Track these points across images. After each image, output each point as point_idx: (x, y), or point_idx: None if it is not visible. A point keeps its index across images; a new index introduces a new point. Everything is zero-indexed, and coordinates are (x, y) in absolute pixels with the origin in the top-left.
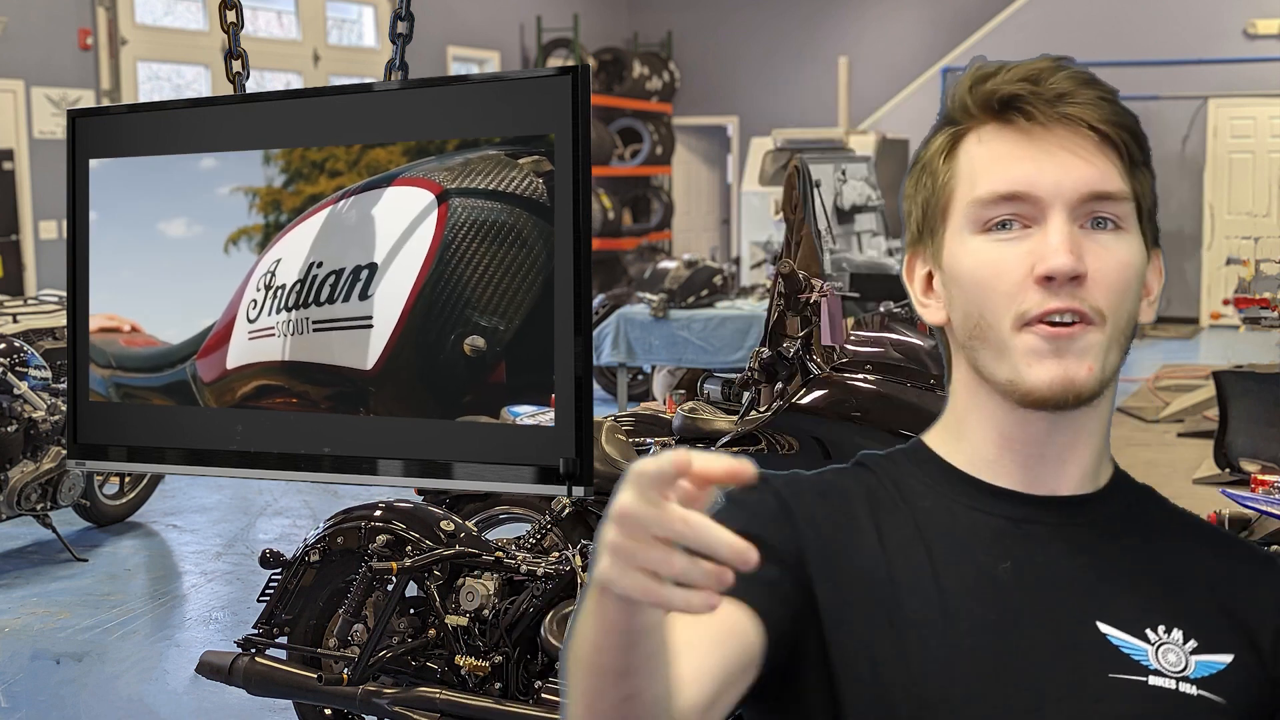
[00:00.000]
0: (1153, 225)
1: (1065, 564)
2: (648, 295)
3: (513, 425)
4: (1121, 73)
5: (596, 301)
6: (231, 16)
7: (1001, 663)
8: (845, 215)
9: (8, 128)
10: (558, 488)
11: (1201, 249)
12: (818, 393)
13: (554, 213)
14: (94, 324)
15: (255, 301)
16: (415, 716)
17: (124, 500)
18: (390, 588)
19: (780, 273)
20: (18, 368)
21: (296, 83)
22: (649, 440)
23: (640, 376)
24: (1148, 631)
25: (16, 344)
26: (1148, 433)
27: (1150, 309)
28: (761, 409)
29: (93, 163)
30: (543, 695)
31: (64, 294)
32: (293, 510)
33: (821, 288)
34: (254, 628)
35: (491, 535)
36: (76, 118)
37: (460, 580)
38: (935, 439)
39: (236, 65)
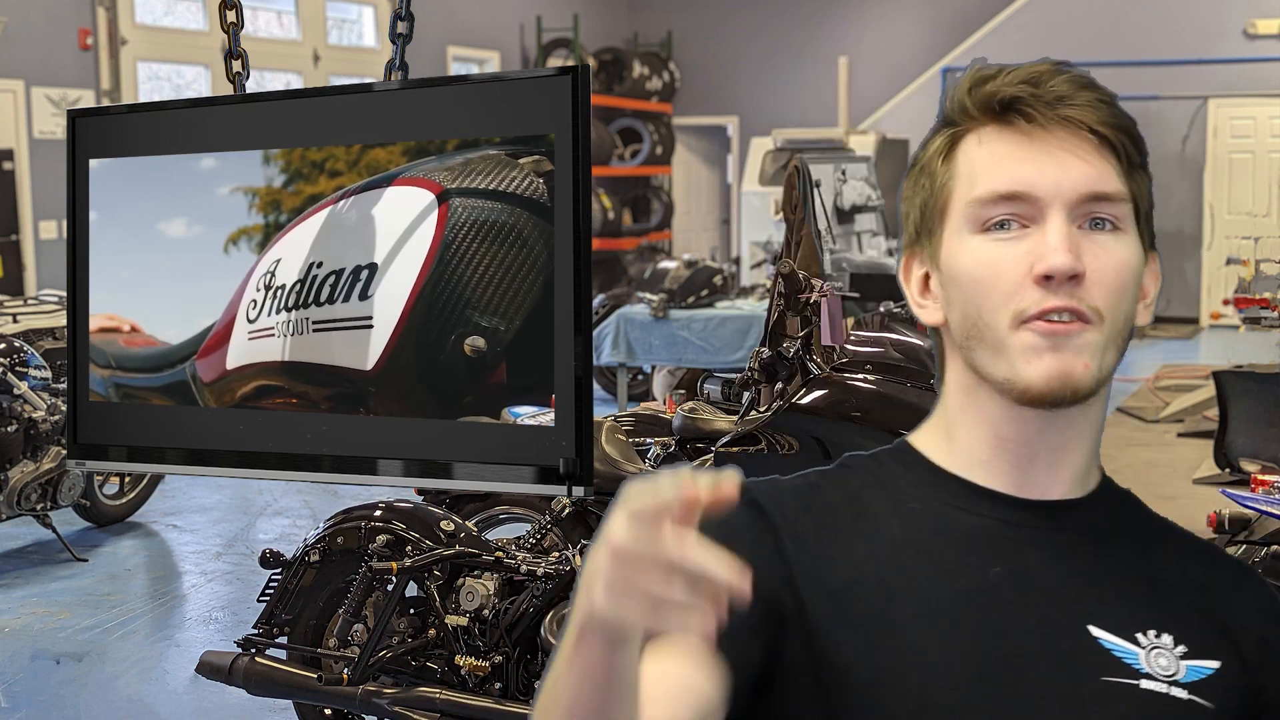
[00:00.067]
0: (1150, 228)
1: (1056, 568)
2: (648, 295)
3: (513, 425)
4: (1121, 73)
5: (596, 301)
6: (231, 16)
7: (996, 667)
8: (845, 215)
9: (8, 128)
10: (558, 488)
11: (1201, 249)
12: (818, 393)
13: (554, 213)
14: (94, 324)
15: (255, 302)
16: (415, 716)
17: (124, 500)
18: (390, 588)
19: (780, 273)
20: (18, 368)
21: (296, 83)
22: (649, 440)
23: (640, 376)
24: (1138, 636)
25: (16, 344)
26: (1148, 433)
27: (1146, 311)
28: (761, 409)
29: (93, 163)
30: None
31: (64, 294)
32: (293, 510)
33: (821, 288)
34: (254, 628)
35: (491, 535)
36: (76, 118)
37: (460, 580)
38: (923, 440)
39: (236, 65)
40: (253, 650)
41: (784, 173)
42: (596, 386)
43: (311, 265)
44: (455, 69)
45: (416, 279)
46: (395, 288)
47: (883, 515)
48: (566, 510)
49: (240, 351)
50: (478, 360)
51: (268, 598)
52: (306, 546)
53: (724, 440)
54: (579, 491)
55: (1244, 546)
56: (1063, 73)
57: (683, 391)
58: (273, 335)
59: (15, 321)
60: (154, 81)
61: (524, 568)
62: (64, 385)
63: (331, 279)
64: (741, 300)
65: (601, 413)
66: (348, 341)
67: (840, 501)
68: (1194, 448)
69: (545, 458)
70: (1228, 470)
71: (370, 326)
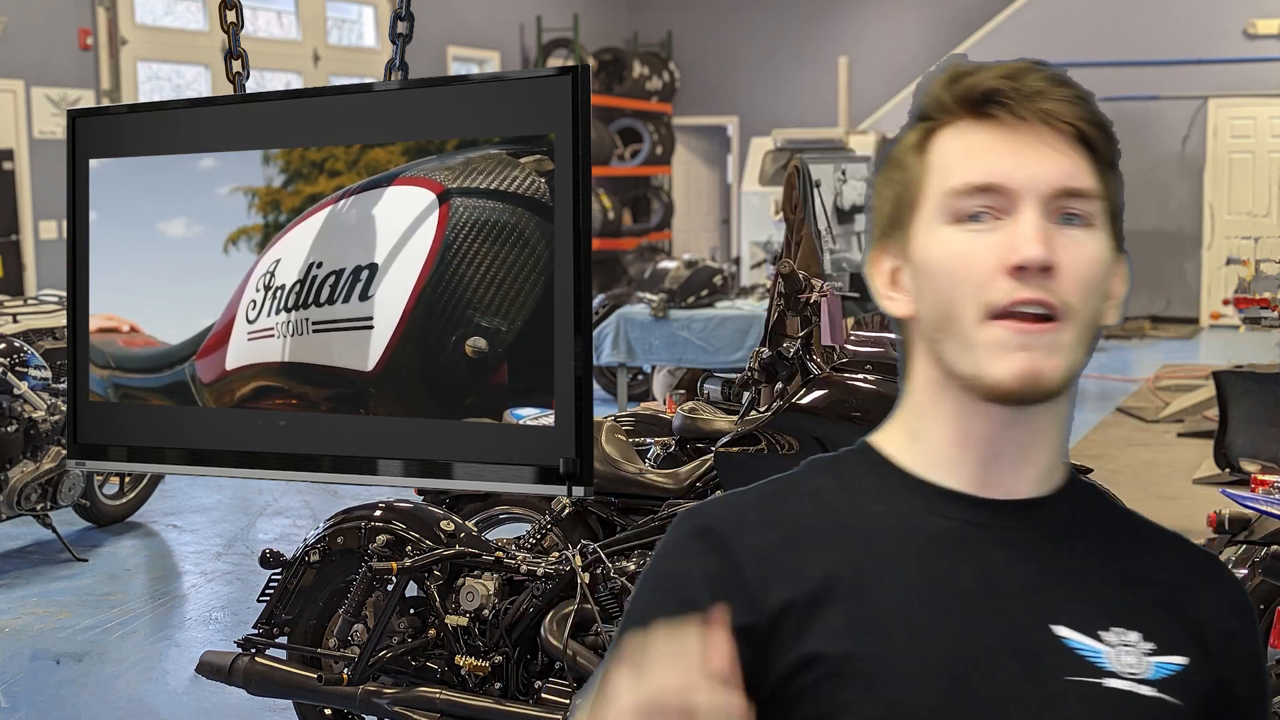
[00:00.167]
0: (1119, 229)
1: (1021, 568)
2: (648, 295)
3: (513, 425)
4: (1121, 73)
5: (596, 301)
6: (231, 16)
7: (961, 670)
8: (845, 215)
9: (8, 128)
10: (558, 488)
11: (1201, 249)
12: (818, 393)
13: (554, 213)
14: (93, 324)
15: (254, 302)
16: (415, 716)
17: (124, 500)
18: (390, 588)
19: (780, 273)
20: (18, 368)
21: (296, 83)
22: (649, 440)
23: (640, 376)
24: (1105, 634)
25: (16, 344)
26: (1148, 433)
27: (1114, 312)
28: (761, 409)
29: (93, 163)
30: (543, 695)
31: (64, 294)
32: (293, 510)
33: (821, 288)
34: (254, 628)
35: (491, 535)
36: (76, 118)
37: (460, 580)
38: (886, 440)
39: (236, 65)
40: (253, 650)
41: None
42: (596, 386)
43: (311, 265)
44: (455, 69)
45: (417, 279)
46: (396, 288)
47: (848, 520)
48: (566, 510)
49: (240, 352)
50: (479, 361)
51: (268, 598)
52: (306, 546)
53: (724, 440)
54: (579, 491)
55: (1244, 546)
56: (1041, 69)
57: (683, 391)
58: (272, 336)
59: (15, 321)
60: (154, 81)
61: (524, 568)
62: (64, 385)
63: (331, 279)
64: (741, 300)
65: (601, 413)
66: (348, 342)
67: (805, 509)
68: (1194, 448)
69: (545, 458)
70: (1228, 470)
71: (370, 327)
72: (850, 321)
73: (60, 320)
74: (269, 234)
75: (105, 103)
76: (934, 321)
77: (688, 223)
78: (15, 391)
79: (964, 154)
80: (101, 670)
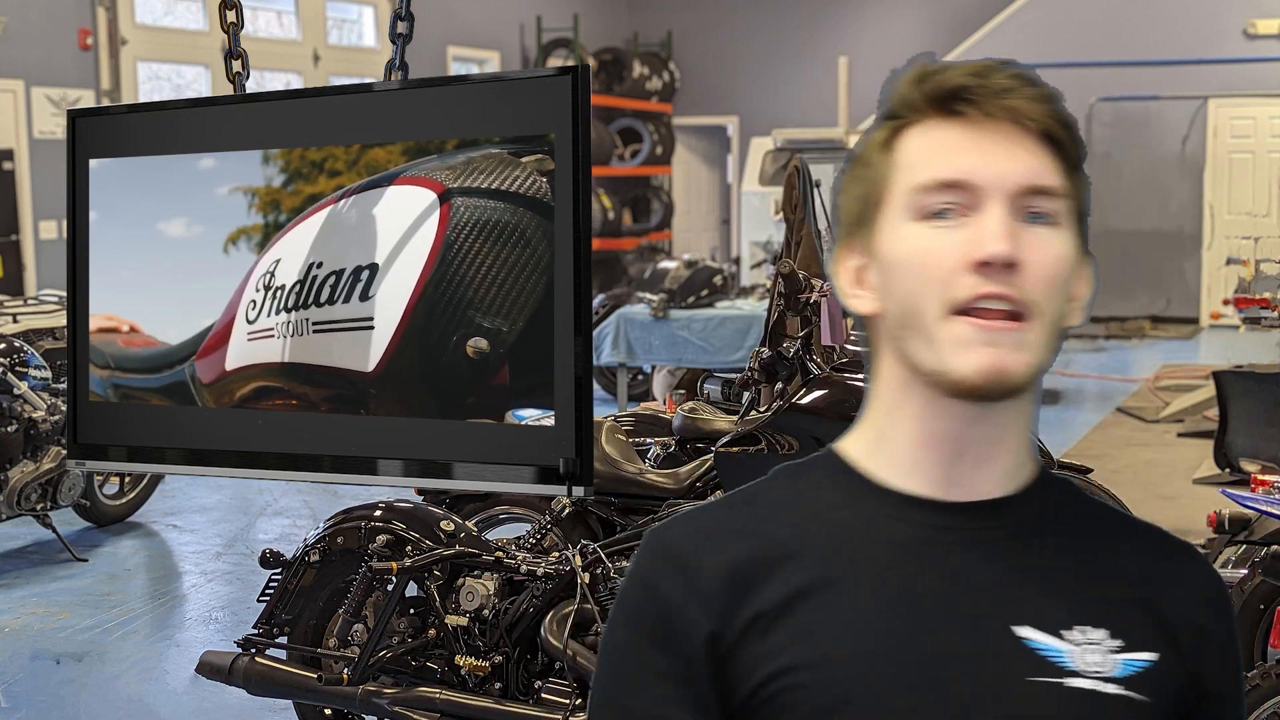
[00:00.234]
0: (1085, 231)
1: (985, 569)
2: (648, 295)
3: (513, 425)
4: (1121, 73)
5: (596, 301)
6: (231, 16)
7: (923, 675)
8: None
9: (8, 128)
10: (558, 488)
11: (1201, 249)
12: (818, 393)
13: (555, 212)
14: (93, 324)
15: (254, 302)
16: (415, 716)
17: (124, 500)
18: (390, 588)
19: (780, 273)
20: (18, 368)
21: (296, 83)
22: (649, 440)
23: (640, 376)
24: (1069, 632)
25: (16, 344)
26: (1148, 433)
27: (1078, 313)
28: (761, 409)
29: (93, 163)
30: (543, 695)
31: (64, 294)
32: (293, 510)
33: (821, 288)
34: (254, 628)
35: (491, 535)
36: (76, 118)
37: (460, 580)
38: (852, 446)
39: (236, 65)
40: (253, 650)
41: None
42: (596, 386)
43: (311, 265)
44: (455, 69)
45: (418, 279)
46: (396, 288)
47: (812, 530)
48: (566, 510)
49: (239, 352)
50: (480, 362)
51: (268, 598)
52: (306, 546)
53: (724, 440)
54: (579, 491)
55: (1244, 546)
56: (1008, 68)
57: (683, 391)
58: (272, 336)
59: (15, 321)
60: (154, 81)
61: (524, 568)
62: (64, 385)
63: (332, 279)
64: (741, 300)
65: (601, 413)
66: (348, 343)
67: (768, 520)
68: (1194, 448)
69: (545, 458)
70: (1228, 470)
71: (371, 328)
72: (850, 321)
73: (60, 320)
74: (269, 234)
75: (105, 103)
76: (899, 318)
77: (688, 223)
78: (15, 391)
79: (931, 151)
80: (101, 670)
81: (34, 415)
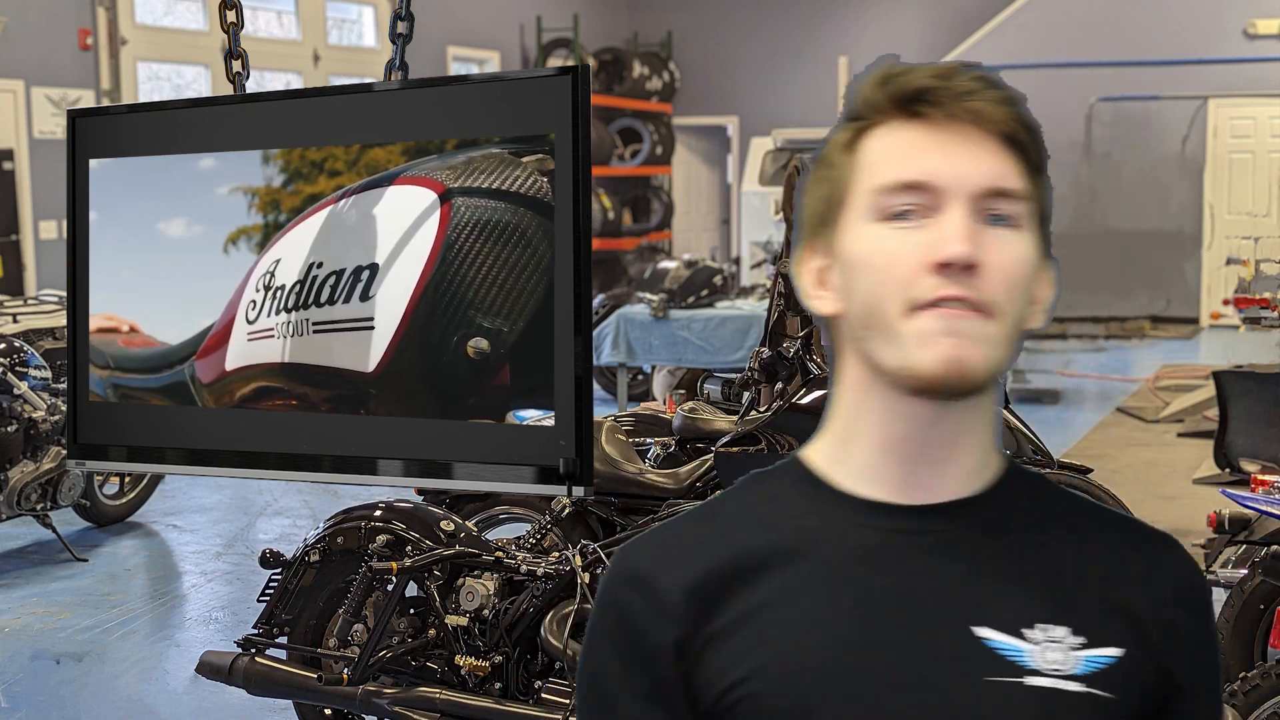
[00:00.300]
0: (1047, 234)
1: (945, 571)
2: (648, 295)
3: (513, 425)
4: (1121, 73)
5: (596, 301)
6: (231, 16)
7: (880, 681)
8: None
9: (8, 128)
10: (558, 488)
11: (1201, 249)
12: (818, 393)
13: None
14: (93, 324)
15: (254, 302)
16: (415, 716)
17: (124, 500)
18: (390, 588)
19: (780, 273)
20: (18, 368)
21: (296, 83)
22: (649, 440)
23: (640, 376)
24: (1029, 631)
25: (16, 344)
26: (1148, 433)
27: (1040, 316)
28: (761, 409)
29: (93, 163)
30: (543, 695)
31: (64, 294)
32: (293, 510)
33: None
34: (254, 628)
35: (491, 535)
36: (76, 118)
37: (460, 580)
38: (816, 453)
39: (236, 65)
40: (253, 650)
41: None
42: (596, 386)
43: (311, 266)
44: (455, 69)
45: (418, 280)
46: (397, 288)
47: (775, 539)
48: (566, 510)
49: (239, 353)
50: (481, 362)
51: (268, 598)
52: (306, 546)
53: (724, 440)
54: (579, 491)
55: (1244, 546)
56: (972, 70)
57: (683, 391)
58: (272, 336)
59: (15, 321)
60: (154, 81)
61: (524, 568)
62: (64, 385)
63: (332, 279)
64: (741, 300)
65: (601, 413)
66: (348, 343)
67: (733, 532)
68: (1194, 448)
69: (545, 458)
70: (1228, 470)
71: (371, 328)
72: None
73: (60, 320)
74: (269, 234)
75: (105, 103)
76: (860, 319)
77: (688, 223)
78: (15, 391)
79: (893, 152)
80: (101, 670)
81: (34, 415)
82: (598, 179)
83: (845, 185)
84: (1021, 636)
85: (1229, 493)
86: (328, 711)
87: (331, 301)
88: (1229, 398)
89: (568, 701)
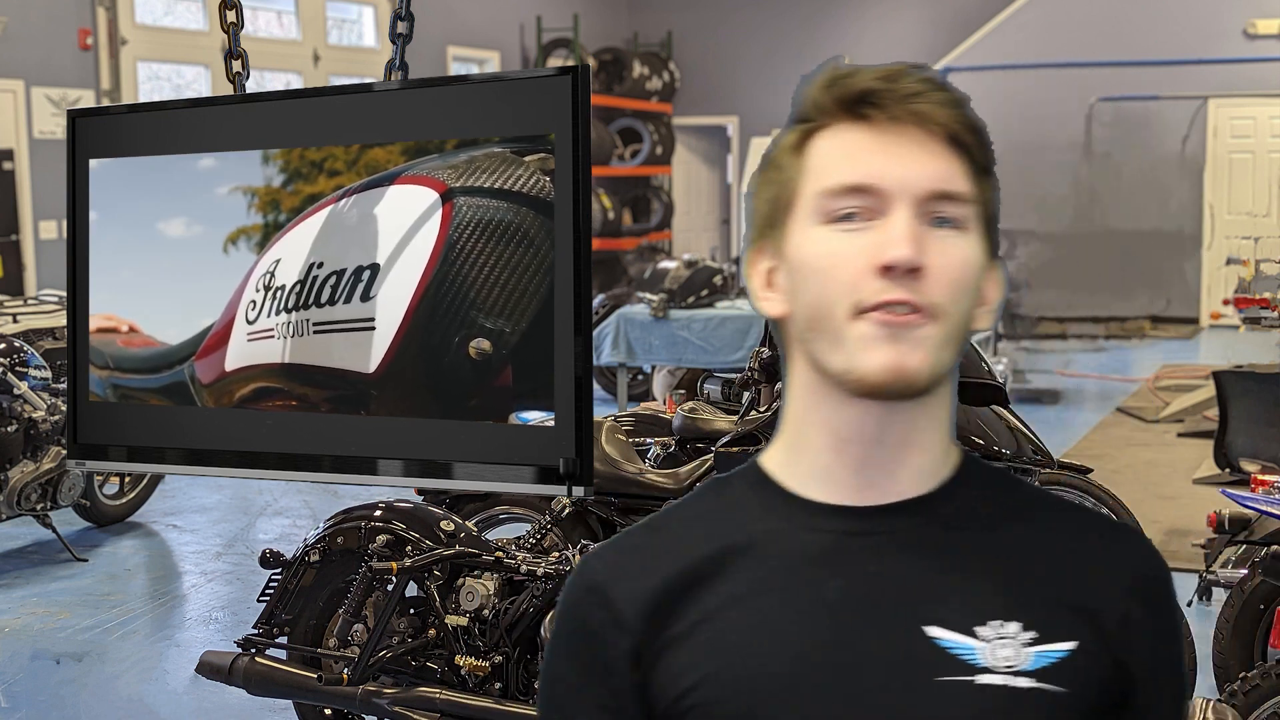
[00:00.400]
0: (994, 235)
1: (897, 572)
2: (648, 295)
3: (513, 425)
4: (1121, 73)
5: (596, 301)
6: (231, 16)
7: (831, 684)
8: None
9: (8, 128)
10: (558, 488)
11: (1201, 249)
12: None
13: (555, 212)
14: (92, 324)
15: (254, 302)
16: (415, 716)
17: (124, 500)
18: (390, 588)
19: None
20: (18, 368)
21: (296, 83)
22: (649, 440)
23: (640, 376)
24: (979, 628)
25: (16, 344)
26: (1148, 433)
27: (987, 317)
28: (761, 409)
29: (93, 163)
30: None
31: (64, 294)
32: (293, 510)
33: None
34: (254, 628)
35: (491, 535)
36: (76, 118)
37: (460, 580)
38: (771, 458)
39: (236, 65)
40: (253, 650)
41: None
42: (596, 386)
43: (312, 266)
44: (455, 69)
45: (420, 280)
46: (398, 289)
47: (730, 545)
48: (566, 510)
49: (239, 353)
50: (483, 363)
51: (268, 598)
52: (306, 546)
53: (724, 440)
54: (579, 491)
55: (1244, 546)
56: (918, 73)
57: (683, 391)
58: (272, 337)
59: (15, 321)
60: (154, 81)
61: (524, 568)
62: (64, 385)
63: (332, 280)
64: (741, 300)
65: (601, 413)
66: (349, 344)
67: (688, 539)
68: (1194, 448)
69: (545, 458)
70: (1228, 470)
71: (372, 328)
72: None
73: (60, 320)
74: (269, 234)
75: (105, 103)
76: (806, 321)
77: (688, 223)
78: (15, 391)
79: (838, 155)
80: (101, 670)
81: (34, 415)
82: (598, 179)
83: (793, 187)
84: (973, 634)
85: (1229, 493)
86: (328, 711)
87: (332, 302)
88: (1229, 398)
89: None
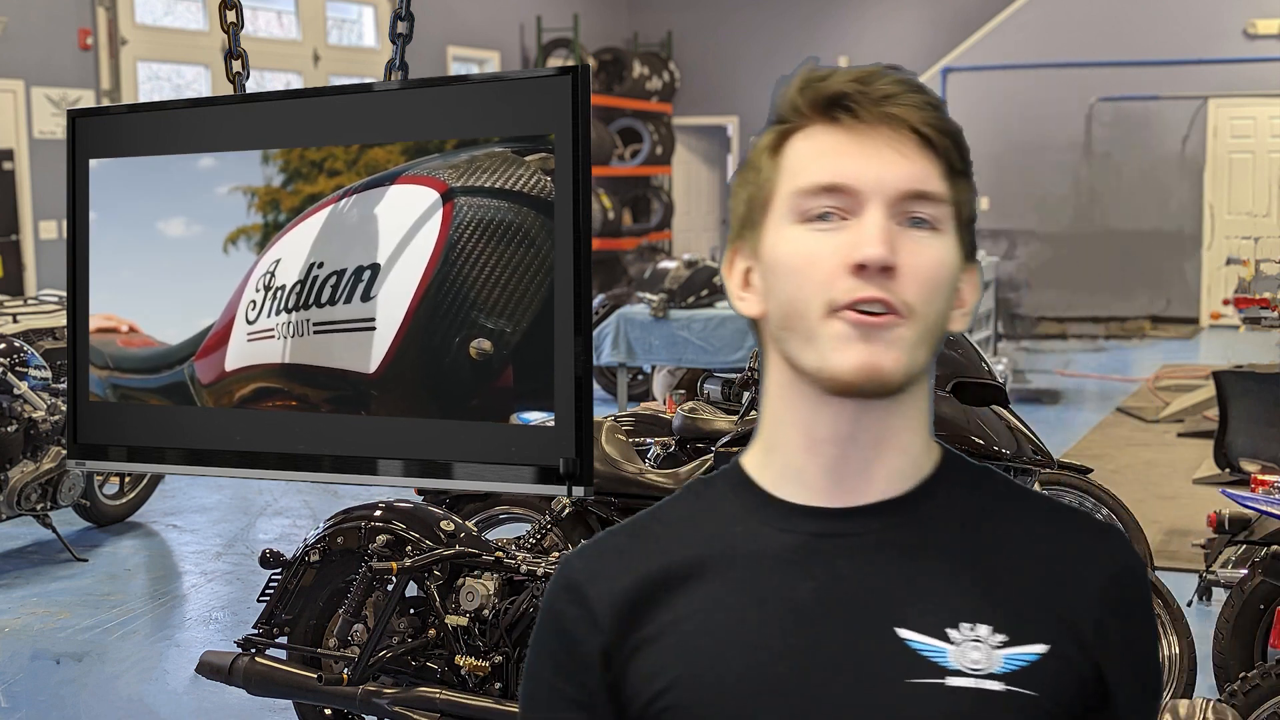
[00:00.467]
0: (970, 237)
1: (869, 573)
2: (648, 295)
3: (513, 425)
4: (1121, 73)
5: (596, 301)
6: (231, 16)
7: (801, 687)
8: None
9: (8, 128)
10: (558, 488)
11: (1201, 249)
12: None
13: (555, 212)
14: (93, 324)
15: (254, 302)
16: (415, 716)
17: (124, 500)
18: (390, 588)
19: None
20: (18, 368)
21: (296, 83)
22: (649, 440)
23: (640, 376)
24: (950, 631)
25: (16, 344)
26: (1148, 433)
27: (963, 319)
28: None
29: (93, 163)
30: None
31: (64, 294)
32: (293, 510)
33: None
34: (254, 628)
35: (491, 535)
36: (76, 118)
37: (460, 580)
38: (749, 459)
39: (236, 65)
40: (253, 650)
41: None
42: (596, 386)
43: (312, 266)
44: (455, 69)
45: (420, 280)
46: (398, 289)
47: (706, 546)
48: (566, 510)
49: (239, 353)
50: (483, 363)
51: (268, 598)
52: (306, 546)
53: (724, 440)
54: (579, 491)
55: (1244, 546)
56: (892, 74)
57: (683, 391)
58: (272, 337)
59: (15, 321)
60: (154, 81)
61: (524, 568)
62: (64, 385)
63: (333, 280)
64: None
65: (601, 413)
66: (350, 344)
67: (666, 540)
68: (1194, 448)
69: (545, 458)
70: (1228, 470)
71: (373, 329)
72: None
73: (60, 320)
74: (268, 234)
75: (105, 103)
76: (781, 320)
77: (688, 223)
78: (15, 391)
79: (813, 155)
80: (101, 670)
81: (34, 415)
82: (598, 179)
83: (769, 188)
84: (944, 637)
85: (1229, 493)
86: (328, 711)
87: (332, 302)
88: (1229, 398)
89: None
